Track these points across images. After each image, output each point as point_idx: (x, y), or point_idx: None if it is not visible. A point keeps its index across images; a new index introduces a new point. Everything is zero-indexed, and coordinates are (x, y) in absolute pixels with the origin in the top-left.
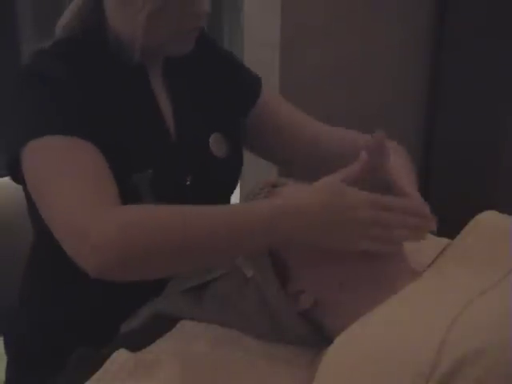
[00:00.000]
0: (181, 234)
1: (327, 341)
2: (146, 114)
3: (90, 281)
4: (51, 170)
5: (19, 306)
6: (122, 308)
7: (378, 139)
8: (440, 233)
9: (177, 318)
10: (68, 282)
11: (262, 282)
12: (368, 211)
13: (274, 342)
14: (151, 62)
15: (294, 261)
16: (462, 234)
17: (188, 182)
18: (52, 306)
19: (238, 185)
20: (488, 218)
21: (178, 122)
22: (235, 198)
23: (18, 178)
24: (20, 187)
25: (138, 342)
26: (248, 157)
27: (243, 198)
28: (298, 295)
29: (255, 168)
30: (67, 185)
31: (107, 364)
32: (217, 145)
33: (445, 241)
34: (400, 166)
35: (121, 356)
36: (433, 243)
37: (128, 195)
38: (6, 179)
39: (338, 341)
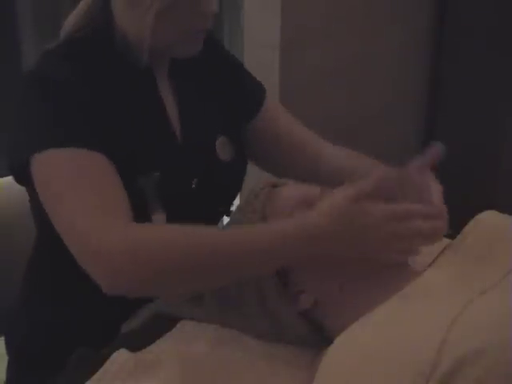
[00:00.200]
0: (193, 257)
1: (327, 341)
2: (153, 116)
3: (90, 281)
4: (65, 186)
5: (20, 306)
6: (122, 308)
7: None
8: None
9: (177, 318)
10: (69, 282)
11: (262, 282)
12: (384, 228)
13: (273, 342)
14: (158, 63)
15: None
16: (462, 234)
17: (193, 186)
18: (53, 306)
19: None
20: (488, 218)
21: (184, 125)
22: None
23: (22, 179)
24: (20, 188)
25: (138, 342)
26: None
27: (243, 198)
28: (298, 295)
29: (256, 168)
30: (80, 201)
31: (107, 364)
32: (222, 148)
33: (445, 241)
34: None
35: (121, 356)
36: None
37: (134, 198)
38: (6, 179)
39: (338, 341)
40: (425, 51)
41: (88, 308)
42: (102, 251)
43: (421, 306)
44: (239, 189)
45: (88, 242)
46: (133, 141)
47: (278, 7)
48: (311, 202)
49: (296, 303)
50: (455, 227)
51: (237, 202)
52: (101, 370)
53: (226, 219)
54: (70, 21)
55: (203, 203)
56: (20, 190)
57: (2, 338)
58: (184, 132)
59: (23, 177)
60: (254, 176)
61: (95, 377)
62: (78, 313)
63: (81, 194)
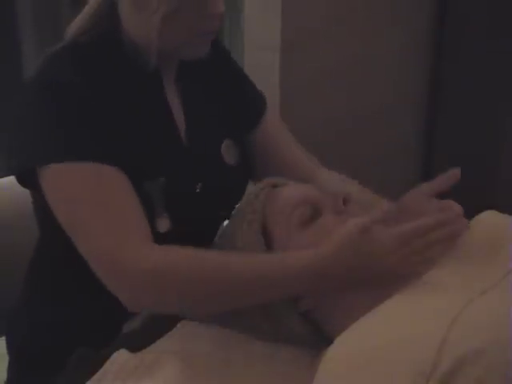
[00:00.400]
0: (213, 283)
1: (327, 341)
2: (159, 120)
3: (91, 282)
4: (85, 204)
5: (21, 306)
6: (123, 309)
7: (448, 177)
8: None
9: (177, 318)
10: (70, 282)
11: None
12: (397, 253)
13: (274, 343)
14: (165, 66)
15: None
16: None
17: (198, 190)
18: (53, 307)
19: None
20: (488, 218)
21: (189, 128)
22: None
23: (25, 182)
24: (21, 188)
25: (138, 343)
26: None
27: (244, 198)
28: (298, 298)
29: None
30: (102, 220)
31: (107, 364)
32: (228, 152)
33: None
34: None
35: (121, 356)
36: None
37: (140, 203)
38: (7, 179)
39: (338, 341)
40: (425, 52)
41: (88, 308)
42: (125, 270)
43: (421, 305)
44: (243, 192)
45: (111, 260)
46: (139, 145)
47: (278, 9)
48: (311, 202)
49: (296, 304)
50: None
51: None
52: (101, 370)
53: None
54: (75, 24)
55: (206, 207)
56: (20, 191)
57: (3, 338)
58: (190, 135)
59: (27, 180)
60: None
61: (95, 377)
62: (79, 313)
63: (101, 211)
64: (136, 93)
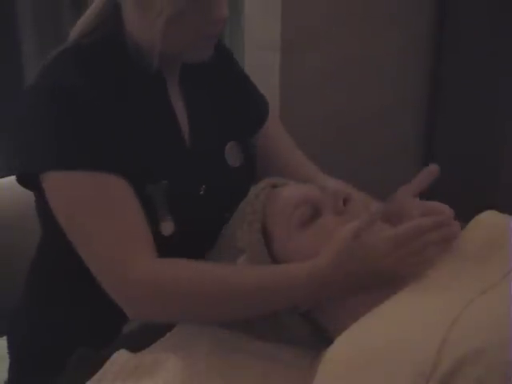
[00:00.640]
0: (215, 295)
1: (327, 341)
2: (163, 123)
3: (92, 283)
4: (85, 209)
5: (21, 306)
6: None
7: (428, 173)
8: None
9: None
10: (71, 283)
11: None
12: (392, 255)
13: (274, 343)
14: (169, 68)
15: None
16: (461, 234)
17: (201, 192)
18: (54, 307)
19: None
20: (488, 218)
21: (193, 130)
22: None
23: (27, 183)
24: (21, 189)
25: (138, 343)
26: None
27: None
28: None
29: None
30: (103, 227)
31: (107, 364)
32: (232, 154)
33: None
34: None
35: (121, 357)
36: None
37: (142, 205)
38: (7, 179)
39: (338, 341)
40: (424, 54)
41: (89, 309)
42: (126, 280)
43: (421, 305)
44: (246, 194)
45: (112, 269)
46: (143, 148)
47: (278, 9)
48: (311, 202)
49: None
50: None
51: None
52: (101, 371)
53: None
54: (79, 25)
55: (210, 209)
56: (21, 191)
57: (4, 338)
58: (193, 137)
59: (28, 181)
60: None
61: (95, 377)
62: (79, 313)
63: (102, 221)
64: (139, 95)
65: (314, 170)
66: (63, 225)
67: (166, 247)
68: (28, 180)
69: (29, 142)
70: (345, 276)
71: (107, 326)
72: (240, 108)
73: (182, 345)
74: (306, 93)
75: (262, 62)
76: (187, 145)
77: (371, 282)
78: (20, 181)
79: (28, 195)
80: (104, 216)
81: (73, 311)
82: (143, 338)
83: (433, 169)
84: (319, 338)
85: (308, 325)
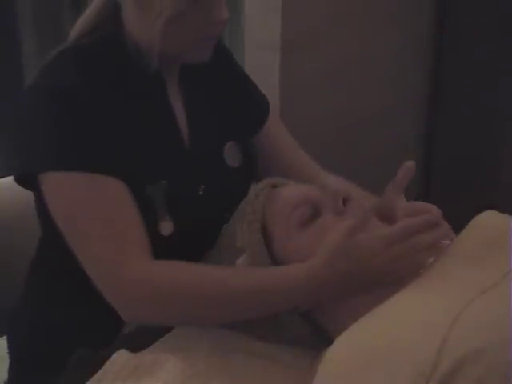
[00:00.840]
0: (211, 298)
1: (327, 341)
2: (162, 124)
3: (92, 283)
4: (82, 211)
5: (21, 306)
6: None
7: (406, 171)
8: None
9: None
10: (71, 283)
11: None
12: (385, 254)
13: (274, 343)
14: (168, 69)
15: (295, 263)
16: (461, 234)
17: (200, 192)
18: (54, 307)
19: None
20: (488, 218)
21: (192, 131)
22: None
23: (26, 183)
24: (21, 188)
25: (138, 343)
26: None
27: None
28: None
29: None
30: (100, 229)
31: (107, 365)
32: (231, 154)
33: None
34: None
35: (121, 357)
36: None
37: (141, 206)
38: (7, 179)
39: (338, 341)
40: (424, 55)
41: (89, 309)
42: (123, 281)
43: (421, 305)
44: (246, 194)
45: (109, 271)
46: (142, 148)
47: (278, 9)
48: (311, 202)
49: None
50: (455, 228)
51: None
52: (101, 371)
53: None
54: (79, 24)
55: (210, 209)
56: (21, 191)
57: (4, 338)
58: (192, 138)
59: (27, 181)
60: None
61: (95, 377)
62: (79, 313)
63: (99, 223)
64: (138, 96)
65: (317, 169)
66: (60, 225)
67: (165, 247)
68: (27, 180)
69: (28, 143)
70: (341, 276)
71: (107, 326)
72: (240, 108)
73: (181, 345)
74: (306, 93)
75: (261, 61)
76: (186, 145)
77: (365, 282)
78: (18, 181)
79: (28, 195)
80: (101, 217)
81: (73, 311)
82: (143, 338)
83: (410, 164)
84: (319, 338)
85: (308, 325)
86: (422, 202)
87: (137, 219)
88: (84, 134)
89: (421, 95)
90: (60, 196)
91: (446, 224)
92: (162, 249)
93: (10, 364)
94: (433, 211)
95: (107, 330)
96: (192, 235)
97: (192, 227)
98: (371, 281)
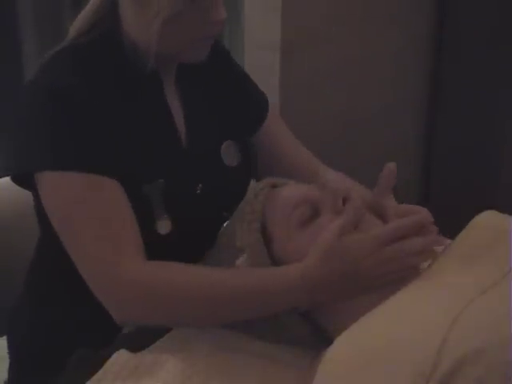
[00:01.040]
0: (203, 299)
1: (327, 341)
2: (159, 123)
3: None
4: (76, 210)
5: (21, 306)
6: None
7: (388, 173)
8: (440, 233)
9: None
10: (70, 283)
11: None
12: (376, 255)
13: (274, 343)
14: (165, 68)
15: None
16: (461, 234)
17: (198, 191)
18: (53, 307)
19: None
20: (488, 218)
21: (189, 130)
22: None
23: (23, 183)
24: (19, 188)
25: (138, 343)
26: None
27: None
28: None
29: None
30: (93, 229)
31: (107, 364)
32: (228, 153)
33: (445, 241)
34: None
35: (121, 357)
36: None
37: (139, 205)
38: (6, 179)
39: (338, 341)
40: (424, 55)
41: (89, 309)
42: (116, 281)
43: (421, 305)
44: (244, 193)
45: (102, 271)
46: (139, 148)
47: (278, 9)
48: (311, 201)
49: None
50: (455, 228)
51: None
52: (101, 371)
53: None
54: (78, 22)
55: (208, 208)
56: (20, 191)
57: (4, 338)
58: (189, 137)
59: (24, 181)
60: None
61: (95, 377)
62: (79, 313)
63: (93, 223)
64: (136, 95)
65: (317, 164)
66: (55, 224)
67: (163, 246)
68: (24, 180)
69: (24, 142)
70: (335, 275)
71: (107, 326)
72: (238, 107)
73: (181, 345)
74: (306, 93)
75: (261, 61)
76: (183, 144)
77: (358, 283)
78: (15, 180)
79: (27, 195)
80: (96, 217)
81: (73, 311)
82: (143, 338)
83: (392, 166)
84: (319, 338)
85: (308, 325)
86: (412, 205)
87: (131, 219)
88: (80, 134)
89: (421, 95)
90: (55, 195)
91: (435, 228)
92: (160, 248)
93: (10, 364)
94: (422, 213)
95: (107, 330)
96: (190, 234)
97: (190, 226)
98: (362, 282)
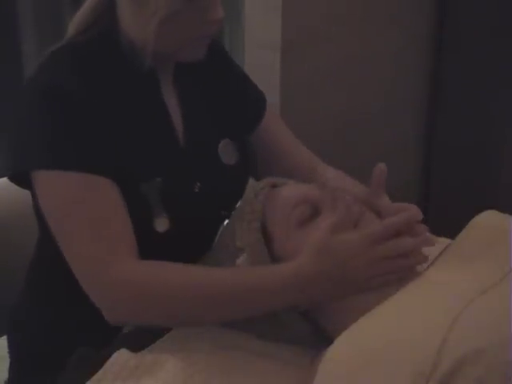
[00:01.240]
0: (195, 298)
1: (327, 341)
2: (156, 122)
3: None
4: (70, 210)
5: (21, 305)
6: None
7: (379, 173)
8: (440, 233)
9: None
10: (70, 282)
11: None
12: (368, 253)
13: (274, 342)
14: (163, 67)
15: None
16: (461, 234)
17: (196, 190)
18: (53, 306)
19: None
20: (488, 218)
21: (187, 129)
22: None
23: (21, 182)
24: (19, 188)
25: (138, 343)
26: None
27: (243, 197)
28: None
29: None
30: (87, 228)
31: (108, 364)
32: (226, 151)
33: (445, 241)
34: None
35: (121, 356)
36: None
37: (137, 203)
38: (6, 179)
39: (338, 341)
40: (424, 55)
41: (89, 308)
42: (109, 281)
43: (421, 305)
44: (242, 192)
45: (95, 270)
46: (136, 146)
47: (278, 8)
48: (311, 201)
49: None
50: (455, 228)
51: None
52: (101, 371)
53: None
54: (75, 21)
55: (206, 207)
56: (19, 190)
57: (4, 338)
58: (187, 136)
59: (22, 180)
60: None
61: (95, 377)
62: (79, 313)
63: (87, 222)
64: (133, 94)
65: (316, 162)
66: (50, 223)
67: (162, 245)
68: (22, 179)
69: (21, 141)
70: (327, 273)
71: (107, 326)
72: (236, 106)
73: (181, 345)
74: (306, 92)
75: (262, 61)
76: (181, 143)
77: (351, 283)
78: (13, 179)
79: (26, 194)
80: (91, 217)
81: (72, 311)
82: (143, 338)
83: (382, 166)
84: (319, 338)
85: (308, 324)
86: (403, 203)
87: (126, 220)
88: (77, 133)
89: (421, 95)
90: (50, 195)
91: (425, 228)
92: (158, 247)
93: (11, 363)
94: (412, 210)
95: (107, 330)
96: (189, 233)
97: (188, 225)
98: (354, 282)
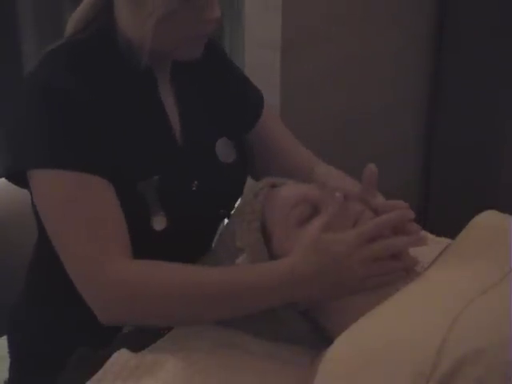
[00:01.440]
0: (189, 297)
1: (327, 341)
2: (153, 120)
3: None
4: (64, 209)
5: (21, 305)
6: None
7: (370, 174)
8: (440, 233)
9: None
10: (70, 282)
11: None
12: (360, 252)
13: (273, 342)
14: (160, 66)
15: None
16: (462, 234)
17: (194, 188)
18: (53, 306)
19: None
20: (488, 218)
21: (184, 127)
22: None
23: (18, 181)
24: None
25: (138, 342)
26: None
27: (243, 198)
28: None
29: None
30: (81, 228)
31: (108, 364)
32: (223, 150)
33: (445, 241)
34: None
35: (122, 356)
36: (433, 243)
37: (134, 202)
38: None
39: (338, 341)
40: (424, 55)
41: (88, 308)
42: (103, 280)
43: (421, 305)
44: (241, 191)
45: (88, 270)
46: (133, 145)
47: (278, 7)
48: (310, 201)
49: (296, 304)
50: (455, 228)
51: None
52: (101, 370)
53: (226, 222)
54: (73, 19)
55: (204, 205)
56: (18, 190)
57: (4, 338)
58: (184, 134)
59: (19, 179)
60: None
61: (95, 377)
62: (79, 313)
63: (81, 221)
64: (130, 92)
65: (315, 161)
66: (44, 222)
67: (160, 244)
68: (19, 178)
69: (17, 139)
70: (316, 271)
71: (107, 326)
72: (234, 104)
73: (181, 344)
74: (306, 92)
75: (262, 60)
76: (178, 141)
77: (345, 282)
78: (11, 178)
79: (26, 194)
80: (85, 217)
81: (72, 311)
82: (143, 338)
83: (373, 167)
84: (319, 337)
85: (308, 324)
86: (395, 201)
87: (120, 219)
88: (74, 132)
89: (421, 95)
90: (45, 193)
91: (417, 226)
92: (156, 246)
93: (11, 363)
94: (402, 208)
95: (107, 330)
96: (187, 231)
97: (186, 223)
98: (348, 281)
